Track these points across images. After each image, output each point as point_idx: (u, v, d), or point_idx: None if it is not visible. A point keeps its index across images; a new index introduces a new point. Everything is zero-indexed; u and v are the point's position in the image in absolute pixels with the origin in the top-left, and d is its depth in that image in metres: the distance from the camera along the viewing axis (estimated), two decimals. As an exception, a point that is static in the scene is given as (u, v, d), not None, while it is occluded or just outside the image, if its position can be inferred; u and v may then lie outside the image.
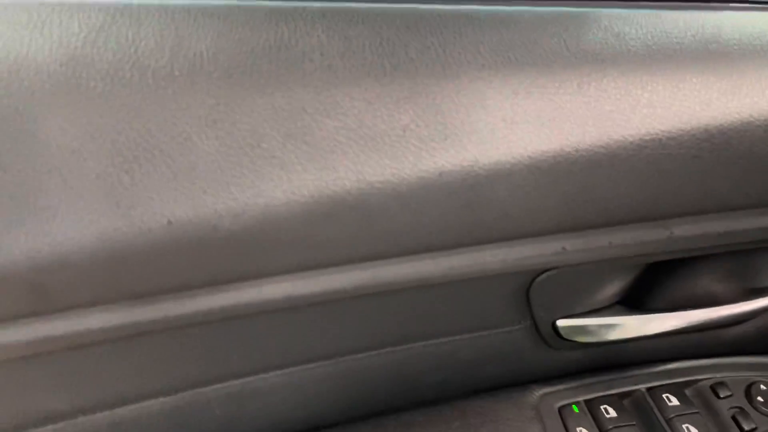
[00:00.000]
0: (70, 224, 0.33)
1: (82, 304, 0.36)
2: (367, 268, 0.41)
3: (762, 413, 0.59)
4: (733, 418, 0.58)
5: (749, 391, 0.61)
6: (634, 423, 0.57)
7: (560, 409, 0.59)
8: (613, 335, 0.56)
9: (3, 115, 0.32)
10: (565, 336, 0.55)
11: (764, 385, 0.61)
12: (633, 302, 0.57)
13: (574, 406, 0.59)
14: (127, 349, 0.41)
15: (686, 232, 0.46)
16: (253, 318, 0.42)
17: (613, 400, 0.59)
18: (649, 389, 0.60)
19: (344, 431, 0.56)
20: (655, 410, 0.58)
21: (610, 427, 0.57)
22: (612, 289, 0.55)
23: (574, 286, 0.52)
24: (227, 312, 0.39)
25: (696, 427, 0.57)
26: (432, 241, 0.41)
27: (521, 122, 0.38)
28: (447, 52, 0.38)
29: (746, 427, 0.57)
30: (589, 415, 0.58)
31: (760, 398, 0.60)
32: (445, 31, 0.39)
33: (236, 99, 0.35)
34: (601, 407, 0.58)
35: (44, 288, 0.34)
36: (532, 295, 0.50)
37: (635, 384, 0.61)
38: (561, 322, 0.54)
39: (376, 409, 0.57)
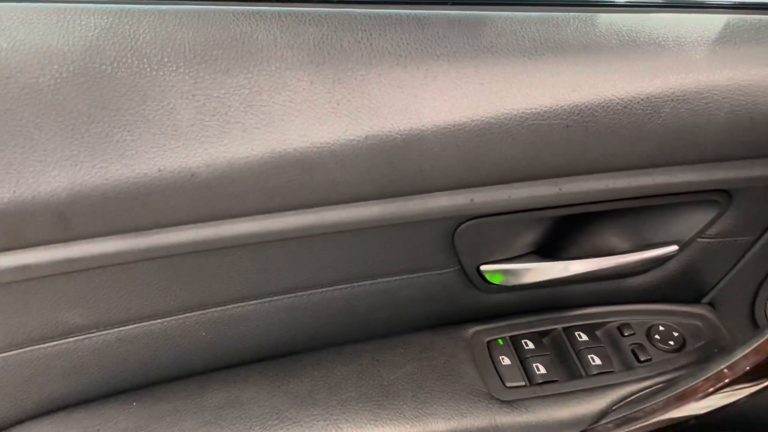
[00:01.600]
0: (86, 170, 0.45)
1: (96, 233, 0.49)
2: (312, 212, 0.52)
3: (658, 348, 0.71)
4: (633, 351, 0.70)
5: (649, 332, 0.72)
6: (548, 353, 0.69)
7: (488, 343, 0.71)
8: (530, 278, 0.68)
9: (40, 88, 0.44)
10: (489, 279, 0.67)
11: (662, 326, 0.72)
12: (547, 252, 0.69)
13: (500, 340, 0.71)
14: (131, 274, 0.53)
15: (572, 188, 0.57)
16: (227, 252, 0.54)
17: (533, 336, 0.71)
18: (564, 329, 0.72)
19: (307, 357, 0.68)
20: (568, 344, 0.70)
21: (528, 356, 0.69)
22: (527, 239, 0.67)
23: (493, 236, 0.64)
24: (207, 244, 0.52)
25: (600, 358, 0.68)
26: (363, 192, 0.53)
27: (429, 98, 0.50)
28: (373, 45, 0.50)
29: (642, 358, 0.69)
30: (511, 347, 0.70)
31: (657, 336, 0.72)
32: (372, 29, 0.51)
33: (209, 78, 0.47)
34: (522, 341, 0.70)
35: (66, 219, 0.47)
36: (456, 242, 0.62)
37: (553, 324, 0.73)
38: (484, 267, 0.66)
39: (337, 341, 0.69)
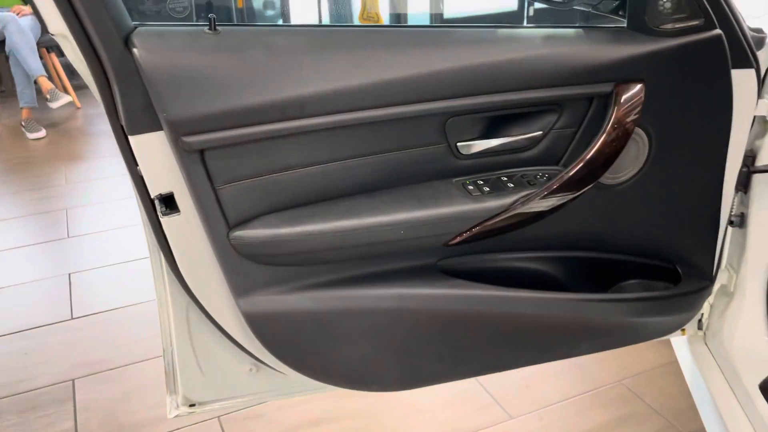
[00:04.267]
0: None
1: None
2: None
3: (538, 183, 1.04)
4: (527, 183, 1.05)
5: (535, 176, 1.06)
6: (489, 186, 1.05)
7: (462, 184, 1.06)
8: (477, 149, 1.05)
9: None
10: (461, 151, 1.05)
11: (542, 174, 1.06)
12: (488, 135, 1.06)
13: (467, 181, 1.07)
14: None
15: (498, 99, 0.99)
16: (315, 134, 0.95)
17: (483, 179, 1.07)
18: (497, 176, 1.07)
19: (349, 200, 1.01)
20: (500, 181, 1.06)
21: (478, 186, 1.05)
22: (480, 127, 1.06)
23: (464, 126, 1.03)
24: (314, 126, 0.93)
25: (513, 184, 1.04)
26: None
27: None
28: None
29: (530, 185, 1.04)
30: (474, 184, 1.06)
31: (538, 177, 1.06)
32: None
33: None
34: (478, 181, 1.08)
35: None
36: (447, 129, 1.02)
37: (492, 175, 1.08)
38: (459, 143, 1.04)
39: (370, 188, 1.01)
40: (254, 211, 0.97)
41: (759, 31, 1.10)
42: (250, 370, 1.16)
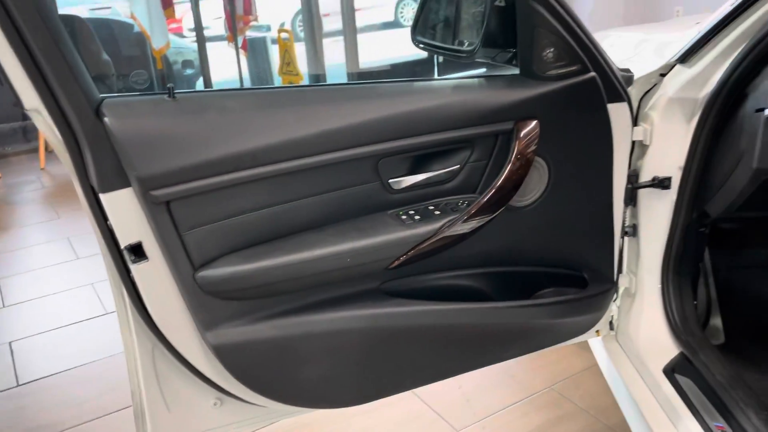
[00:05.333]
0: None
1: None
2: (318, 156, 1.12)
3: (458, 210, 1.21)
4: (451, 209, 1.22)
5: (456, 204, 1.23)
6: (419, 215, 1.22)
7: (396, 214, 1.23)
8: (407, 183, 1.23)
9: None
10: (393, 186, 1.21)
11: (461, 202, 1.23)
12: (415, 171, 1.23)
13: (400, 212, 1.21)
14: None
15: (422, 140, 1.17)
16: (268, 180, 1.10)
17: (414, 209, 1.24)
18: (424, 206, 1.24)
19: (300, 236, 1.16)
20: (428, 209, 1.23)
21: (410, 215, 1.23)
22: (406, 166, 1.22)
23: (394, 164, 1.20)
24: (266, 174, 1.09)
25: (439, 211, 1.21)
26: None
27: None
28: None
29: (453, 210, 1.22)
30: (405, 214, 1.23)
31: (459, 204, 1.24)
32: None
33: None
34: (410, 212, 1.24)
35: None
36: (379, 169, 1.18)
37: (420, 205, 1.26)
38: (391, 180, 1.21)
39: (318, 224, 1.18)
40: (217, 251, 1.09)
41: (627, 71, 1.33)
42: (215, 404, 1.26)
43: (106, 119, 0.98)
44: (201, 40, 5.34)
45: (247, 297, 1.12)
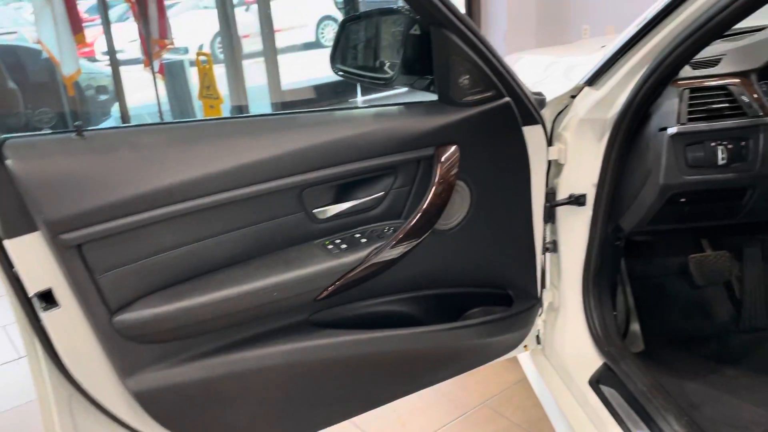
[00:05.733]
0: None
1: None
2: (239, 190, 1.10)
3: (385, 236, 1.22)
4: (377, 236, 1.22)
5: (382, 231, 1.23)
6: (345, 243, 1.21)
7: (322, 244, 1.23)
8: (330, 213, 1.22)
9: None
10: (317, 216, 1.20)
11: (387, 228, 1.24)
12: (339, 199, 1.23)
13: (326, 241, 1.20)
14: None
15: (338, 171, 1.16)
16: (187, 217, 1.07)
17: (341, 239, 1.23)
18: (351, 234, 1.23)
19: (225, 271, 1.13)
20: (353, 237, 1.22)
21: (336, 244, 1.21)
22: (330, 195, 1.22)
23: (318, 194, 1.19)
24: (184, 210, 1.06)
25: (365, 238, 1.21)
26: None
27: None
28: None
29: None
30: (333, 243, 1.19)
31: (385, 230, 1.24)
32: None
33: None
34: (336, 240, 1.22)
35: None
36: (303, 198, 1.17)
37: (348, 234, 1.23)
38: (315, 210, 1.20)
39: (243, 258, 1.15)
40: (135, 294, 1.04)
41: (539, 94, 1.37)
42: None
43: (8, 161, 0.93)
44: (115, 65, 5.18)
45: (170, 339, 1.08)
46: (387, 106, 1.26)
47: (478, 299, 1.41)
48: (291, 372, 1.17)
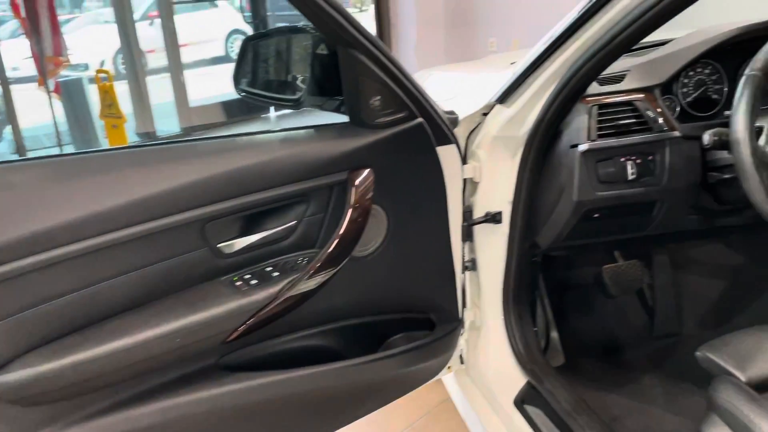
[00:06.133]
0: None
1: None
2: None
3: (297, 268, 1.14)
4: (288, 269, 1.15)
5: (294, 263, 1.16)
6: (257, 278, 1.13)
7: (231, 281, 1.14)
8: (237, 247, 1.13)
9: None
10: (223, 250, 1.11)
11: (301, 258, 1.17)
12: (248, 232, 1.13)
13: (234, 278, 1.13)
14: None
15: (245, 201, 1.09)
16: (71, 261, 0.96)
17: (251, 272, 1.15)
18: (262, 268, 1.15)
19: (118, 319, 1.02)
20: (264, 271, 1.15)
21: (248, 277, 1.14)
22: (237, 227, 1.13)
23: (222, 228, 1.10)
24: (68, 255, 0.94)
25: (277, 271, 1.13)
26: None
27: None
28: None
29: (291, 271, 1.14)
30: (243, 278, 1.13)
31: (299, 261, 1.17)
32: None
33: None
34: (244, 276, 1.14)
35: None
36: (206, 232, 1.08)
37: (257, 268, 1.16)
38: (220, 245, 1.11)
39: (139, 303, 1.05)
40: (13, 351, 0.92)
41: (452, 113, 1.35)
42: None
43: None
44: (6, 84, 4.84)
45: (58, 399, 0.96)
46: (295, 130, 1.20)
47: (399, 326, 1.36)
48: (201, 423, 1.08)
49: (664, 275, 1.82)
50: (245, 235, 1.12)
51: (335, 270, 1.15)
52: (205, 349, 1.07)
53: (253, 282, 1.10)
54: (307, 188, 1.14)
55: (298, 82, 1.27)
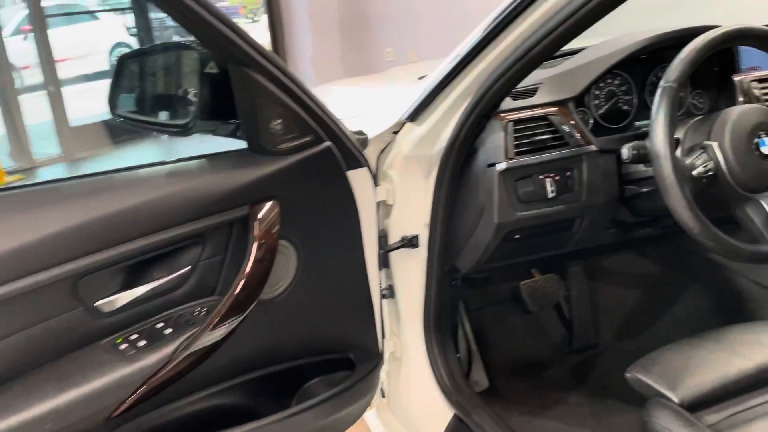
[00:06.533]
0: None
1: None
2: None
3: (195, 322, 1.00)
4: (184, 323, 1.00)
5: (192, 314, 1.01)
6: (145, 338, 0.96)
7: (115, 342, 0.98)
8: (120, 303, 0.96)
9: None
10: (101, 309, 0.95)
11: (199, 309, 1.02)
12: (130, 285, 0.98)
13: (119, 339, 0.96)
14: None
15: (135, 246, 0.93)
16: None
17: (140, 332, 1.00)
18: (153, 324, 0.99)
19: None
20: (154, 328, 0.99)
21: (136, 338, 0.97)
22: (118, 280, 0.97)
23: (102, 282, 0.95)
24: None
25: (170, 327, 0.98)
26: None
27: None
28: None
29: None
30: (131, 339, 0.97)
31: (196, 312, 1.02)
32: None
33: None
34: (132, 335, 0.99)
35: None
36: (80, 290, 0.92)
37: (146, 325, 1.00)
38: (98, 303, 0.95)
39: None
40: None
41: (361, 133, 1.24)
42: None
43: None
44: None
45: None
46: (184, 161, 1.05)
47: (315, 369, 1.24)
48: None
49: (579, 287, 1.80)
50: (129, 288, 0.96)
51: (241, 318, 1.01)
52: (87, 428, 0.90)
53: (141, 343, 0.94)
54: (202, 228, 1.00)
55: (187, 106, 1.12)
